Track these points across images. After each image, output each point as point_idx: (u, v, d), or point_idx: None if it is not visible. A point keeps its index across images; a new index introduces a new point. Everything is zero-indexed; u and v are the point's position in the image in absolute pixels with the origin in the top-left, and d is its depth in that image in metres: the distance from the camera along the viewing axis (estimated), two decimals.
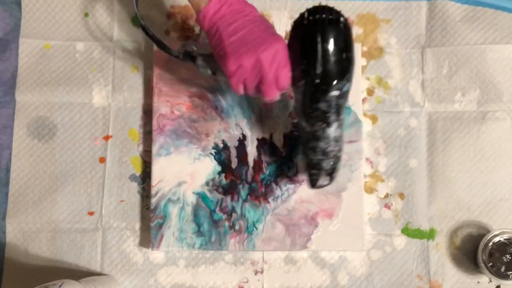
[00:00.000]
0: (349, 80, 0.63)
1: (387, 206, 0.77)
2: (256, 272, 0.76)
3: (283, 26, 0.81)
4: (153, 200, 0.75)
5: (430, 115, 0.79)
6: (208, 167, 0.77)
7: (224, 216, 0.75)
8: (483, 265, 0.72)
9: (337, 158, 0.68)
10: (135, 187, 0.78)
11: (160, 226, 0.75)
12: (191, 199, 0.76)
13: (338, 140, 0.67)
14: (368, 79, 0.80)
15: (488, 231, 0.74)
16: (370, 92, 0.79)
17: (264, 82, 0.63)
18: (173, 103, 0.78)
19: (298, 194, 0.76)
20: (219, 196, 0.76)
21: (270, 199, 0.76)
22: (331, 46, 0.61)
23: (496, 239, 0.72)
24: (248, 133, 0.77)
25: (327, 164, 0.68)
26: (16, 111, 0.79)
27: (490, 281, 0.76)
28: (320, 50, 0.61)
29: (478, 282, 0.76)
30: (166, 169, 0.76)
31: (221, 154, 0.77)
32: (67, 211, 0.77)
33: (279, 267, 0.76)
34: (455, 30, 0.79)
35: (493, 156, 0.77)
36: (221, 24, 0.62)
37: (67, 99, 0.80)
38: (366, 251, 0.76)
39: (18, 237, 0.77)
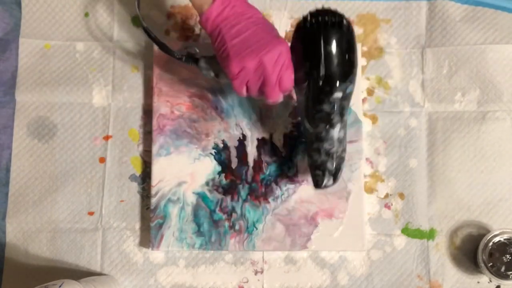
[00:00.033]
0: (352, 81, 0.64)
1: (387, 206, 0.77)
2: (256, 272, 0.76)
3: (283, 26, 0.81)
4: (153, 200, 0.75)
5: (430, 115, 0.79)
6: (208, 167, 0.77)
7: (224, 216, 0.75)
8: (483, 265, 0.72)
9: (341, 159, 0.69)
10: (135, 187, 0.78)
11: (160, 226, 0.75)
12: (191, 199, 0.76)
13: (341, 141, 0.68)
14: (368, 79, 0.80)
15: (488, 231, 0.74)
16: (370, 92, 0.79)
17: (267, 84, 0.63)
18: (173, 103, 0.78)
19: (298, 194, 0.76)
20: (219, 196, 0.76)
21: (270, 199, 0.76)
22: (334, 48, 0.61)
23: (496, 239, 0.72)
24: (248, 133, 0.77)
25: (331, 165, 0.68)
26: (16, 111, 0.79)
27: (490, 281, 0.76)
28: (323, 52, 0.61)
29: (478, 282, 0.76)
30: (166, 169, 0.76)
31: (221, 154, 0.77)
32: (67, 211, 0.77)
33: (279, 267, 0.76)
34: (455, 30, 0.79)
35: (493, 156, 0.77)
36: (224, 26, 0.62)
37: (67, 99, 0.80)
38: (366, 251, 0.76)
39: (18, 237, 0.77)
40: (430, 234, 0.77)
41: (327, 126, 0.66)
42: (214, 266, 0.76)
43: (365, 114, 0.79)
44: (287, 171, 0.77)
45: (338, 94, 0.63)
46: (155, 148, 0.76)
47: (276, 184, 0.76)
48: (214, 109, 0.78)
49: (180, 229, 0.75)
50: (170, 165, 0.76)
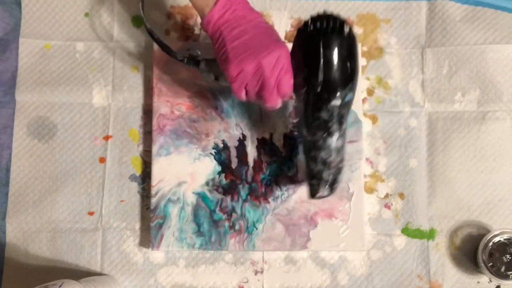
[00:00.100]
0: (352, 90, 0.62)
1: (387, 206, 0.77)
2: (256, 272, 0.76)
3: (283, 26, 0.81)
4: (153, 200, 0.75)
5: (430, 115, 0.79)
6: (208, 167, 0.77)
7: (224, 216, 0.75)
8: (483, 265, 0.72)
9: (338, 170, 0.67)
10: (135, 187, 0.78)
11: (160, 226, 0.75)
12: (191, 199, 0.76)
13: (339, 150, 0.66)
14: (368, 79, 0.80)
15: (488, 231, 0.74)
16: (370, 92, 0.79)
17: (266, 88, 0.62)
18: (173, 103, 0.78)
19: (298, 194, 0.76)
20: (219, 196, 0.76)
21: (270, 199, 0.76)
22: (333, 54, 0.60)
23: (496, 239, 0.72)
24: (248, 133, 0.77)
25: (327, 175, 0.66)
26: (16, 111, 0.79)
27: (490, 281, 0.76)
28: (322, 58, 0.60)
29: (478, 282, 0.76)
30: (166, 169, 0.76)
31: (221, 154, 0.77)
32: (67, 211, 0.77)
33: (279, 267, 0.76)
34: (455, 30, 0.79)
35: (493, 156, 0.77)
36: (225, 29, 0.62)
37: (67, 99, 0.80)
38: (366, 251, 0.76)
39: (18, 237, 0.77)
40: (430, 234, 0.77)
41: (325, 135, 0.64)
42: (214, 266, 0.76)
43: (365, 114, 0.79)
44: (287, 171, 0.77)
45: (336, 102, 0.62)
46: (155, 148, 0.76)
47: (276, 184, 0.76)
48: (214, 109, 0.78)
49: (180, 229, 0.75)
50: (170, 165, 0.76)
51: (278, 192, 0.76)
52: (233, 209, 0.76)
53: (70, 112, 0.79)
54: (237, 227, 0.75)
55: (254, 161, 0.77)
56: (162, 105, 0.77)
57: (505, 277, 0.72)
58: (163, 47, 0.71)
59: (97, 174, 0.78)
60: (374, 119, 0.79)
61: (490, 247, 0.72)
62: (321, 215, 0.75)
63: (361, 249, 0.75)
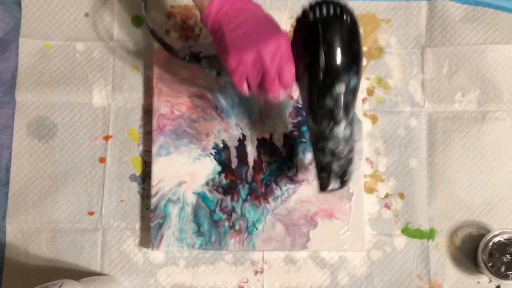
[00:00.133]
0: (356, 74, 0.60)
1: (387, 206, 0.77)
2: (256, 272, 0.76)
3: (283, 26, 0.81)
4: (153, 200, 0.75)
5: (430, 115, 0.79)
6: (208, 167, 0.77)
7: (224, 216, 0.75)
8: (483, 265, 0.72)
9: (348, 160, 0.65)
10: (135, 187, 0.78)
11: (160, 226, 0.75)
12: (191, 199, 0.76)
13: (348, 140, 0.64)
14: (368, 79, 0.80)
15: (488, 231, 0.74)
16: (370, 92, 0.79)
17: (267, 78, 0.61)
18: (173, 103, 0.78)
19: (298, 194, 0.76)
20: (219, 196, 0.76)
21: (270, 199, 0.76)
22: (334, 38, 0.58)
23: (496, 239, 0.72)
24: (248, 133, 0.77)
25: (337, 167, 0.65)
26: (16, 111, 0.79)
27: (490, 281, 0.76)
28: (322, 43, 0.58)
29: (478, 282, 0.76)
30: (166, 169, 0.76)
31: (221, 154, 0.77)
32: (67, 211, 0.77)
33: (279, 267, 0.76)
34: (455, 30, 0.79)
35: (493, 156, 0.77)
36: (224, 21, 0.61)
37: (67, 99, 0.80)
38: (366, 251, 0.76)
39: (18, 237, 0.77)
40: (430, 234, 0.77)
41: (331, 124, 0.62)
42: (214, 266, 0.76)
43: (365, 114, 0.79)
44: (287, 171, 0.76)
45: (340, 88, 0.60)
46: (155, 148, 0.76)
47: (276, 184, 0.76)
48: (214, 109, 0.78)
49: (180, 229, 0.75)
50: (170, 165, 0.76)
51: (278, 192, 0.76)
52: (233, 209, 0.76)
53: (70, 112, 0.79)
54: (237, 227, 0.75)
55: (254, 161, 0.77)
56: (162, 105, 0.77)
57: (505, 277, 0.72)
58: (165, 46, 0.71)
59: (97, 174, 0.78)
60: (374, 119, 0.79)
61: (490, 247, 0.72)
62: (321, 215, 0.75)
63: (361, 249, 0.75)
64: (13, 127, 0.79)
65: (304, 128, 0.77)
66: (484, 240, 0.72)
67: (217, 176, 0.76)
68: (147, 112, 0.79)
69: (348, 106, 0.62)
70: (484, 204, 0.77)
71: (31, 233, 0.77)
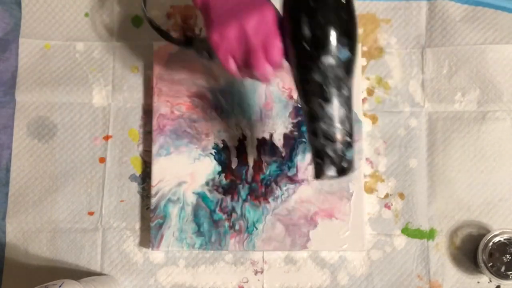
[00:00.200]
0: (347, 46, 0.56)
1: (387, 206, 0.77)
2: (256, 272, 0.76)
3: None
4: (153, 200, 0.75)
5: (430, 115, 0.79)
6: (208, 167, 0.77)
7: (224, 216, 0.75)
8: (483, 265, 0.72)
9: (345, 144, 0.58)
10: (135, 187, 0.78)
11: (160, 226, 0.75)
12: (191, 199, 0.76)
13: (343, 121, 0.58)
14: (368, 79, 0.80)
15: (488, 231, 0.74)
16: (370, 92, 0.79)
17: (252, 54, 0.57)
18: (173, 103, 0.78)
19: (298, 194, 0.76)
20: (219, 196, 0.76)
21: (270, 199, 0.76)
22: (319, 6, 0.54)
23: (496, 239, 0.72)
24: (248, 133, 0.77)
25: (331, 151, 0.58)
26: (16, 111, 0.79)
27: (490, 281, 0.76)
28: (307, 11, 0.54)
29: (478, 282, 0.76)
30: (166, 169, 0.76)
31: (221, 154, 0.77)
32: (67, 211, 0.77)
33: (279, 267, 0.76)
34: (455, 30, 0.79)
35: (493, 156, 0.77)
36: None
37: (67, 99, 0.80)
38: (366, 251, 0.76)
39: (18, 237, 0.77)
40: (430, 234, 0.76)
41: (321, 101, 0.56)
42: (214, 266, 0.76)
43: (365, 114, 0.79)
44: (287, 171, 0.76)
45: (328, 60, 0.55)
46: (155, 148, 0.76)
47: (276, 184, 0.76)
48: (214, 109, 0.78)
49: (180, 229, 0.75)
50: (170, 165, 0.76)
51: (278, 192, 0.76)
52: (233, 209, 0.76)
53: (70, 112, 0.79)
54: (237, 227, 0.75)
55: (254, 161, 0.77)
56: (162, 105, 0.77)
57: (505, 277, 0.72)
58: (162, 33, 0.70)
59: (97, 174, 0.78)
60: (374, 119, 0.79)
61: (490, 247, 0.72)
62: (321, 215, 0.75)
63: (361, 249, 0.75)
64: (13, 127, 0.79)
65: (304, 128, 0.77)
66: (484, 240, 0.72)
67: (217, 176, 0.76)
68: (147, 112, 0.79)
69: (340, 82, 0.57)
70: (484, 204, 0.77)
71: (31, 233, 0.77)
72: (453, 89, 0.79)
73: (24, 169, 0.78)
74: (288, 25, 0.57)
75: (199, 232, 0.75)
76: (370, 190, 0.78)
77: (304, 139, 0.77)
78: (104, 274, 0.76)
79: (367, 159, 0.78)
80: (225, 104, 0.78)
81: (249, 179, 0.76)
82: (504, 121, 0.78)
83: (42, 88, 0.79)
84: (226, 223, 0.75)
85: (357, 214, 0.75)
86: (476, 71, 0.79)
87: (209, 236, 0.75)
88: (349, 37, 0.56)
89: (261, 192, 0.76)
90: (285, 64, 0.60)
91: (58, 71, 0.80)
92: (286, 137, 0.77)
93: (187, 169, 0.76)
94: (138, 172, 0.78)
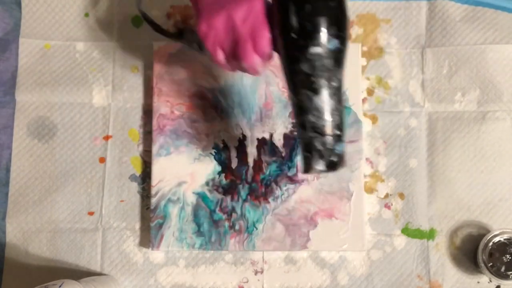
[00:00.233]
0: (336, 36, 0.54)
1: (387, 206, 0.77)
2: (256, 272, 0.76)
3: None
4: (153, 200, 0.75)
5: (430, 115, 0.79)
6: (208, 167, 0.77)
7: (224, 216, 0.75)
8: (483, 265, 0.72)
9: (335, 137, 0.56)
10: (135, 187, 0.78)
11: (160, 226, 0.75)
12: (191, 199, 0.76)
13: (332, 113, 0.56)
14: (368, 79, 0.80)
15: (488, 231, 0.74)
16: (370, 92, 0.79)
17: (240, 44, 0.57)
18: (173, 103, 0.78)
19: (298, 194, 0.76)
20: (219, 196, 0.76)
21: (270, 199, 0.76)
22: None
23: (496, 239, 0.72)
24: (248, 133, 0.77)
25: (320, 144, 0.56)
26: (16, 111, 0.79)
27: (490, 281, 0.76)
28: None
29: (478, 282, 0.76)
30: (166, 169, 0.76)
31: (221, 154, 0.77)
32: (67, 211, 0.77)
33: (279, 267, 0.76)
34: (455, 30, 0.79)
35: (493, 156, 0.77)
36: None
37: (67, 99, 0.80)
38: (366, 251, 0.76)
39: (18, 237, 0.77)
40: (430, 234, 0.76)
41: (309, 92, 0.55)
42: (214, 266, 0.76)
43: (365, 114, 0.79)
44: (287, 171, 0.76)
45: (316, 49, 0.54)
46: (155, 148, 0.76)
47: (276, 184, 0.76)
48: (214, 109, 0.78)
49: (180, 229, 0.75)
50: (170, 165, 0.76)
51: (278, 192, 0.76)
52: (233, 209, 0.76)
53: (70, 112, 0.79)
54: (237, 227, 0.75)
55: (254, 161, 0.77)
56: (162, 105, 0.77)
57: (505, 277, 0.72)
58: (154, 25, 0.70)
59: (97, 174, 0.78)
60: (374, 119, 0.79)
61: (490, 247, 0.72)
62: (321, 215, 0.75)
63: (361, 249, 0.75)
64: (13, 127, 0.79)
65: None
66: (484, 240, 0.72)
67: (217, 176, 0.76)
68: (147, 112, 0.79)
69: (330, 74, 0.55)
70: (484, 204, 0.77)
71: (31, 233, 0.77)
72: (453, 89, 0.79)
73: (24, 169, 0.78)
74: (277, 15, 0.55)
75: (199, 232, 0.75)
76: (370, 190, 0.78)
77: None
78: (104, 274, 0.76)
79: (367, 159, 0.78)
80: (225, 104, 0.78)
81: (249, 179, 0.76)
82: (504, 121, 0.78)
83: (42, 88, 0.79)
84: (226, 223, 0.75)
85: (357, 214, 0.75)
86: (476, 71, 0.79)
87: (209, 236, 0.75)
88: (338, 28, 0.54)
89: (261, 192, 0.76)
90: (275, 55, 0.59)
91: (58, 71, 0.80)
92: (286, 137, 0.77)
93: (187, 169, 0.76)
94: (138, 172, 0.78)
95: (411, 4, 0.81)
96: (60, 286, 0.60)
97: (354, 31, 0.80)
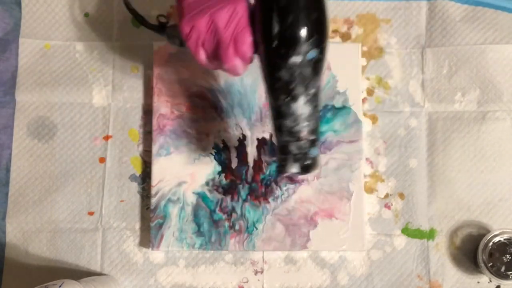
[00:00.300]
0: (316, 46, 0.55)
1: (387, 206, 0.77)
2: (256, 272, 0.76)
3: None
4: (153, 200, 0.75)
5: (430, 115, 0.79)
6: (208, 167, 0.77)
7: (224, 216, 0.75)
8: (483, 265, 0.72)
9: (309, 142, 0.59)
10: (135, 187, 0.78)
11: (160, 226, 0.75)
12: (191, 199, 0.76)
13: (309, 119, 0.58)
14: (368, 79, 0.80)
15: (488, 231, 0.74)
16: (370, 92, 0.79)
17: (221, 47, 0.57)
18: (173, 103, 0.78)
19: (298, 194, 0.76)
20: (219, 196, 0.76)
21: (270, 199, 0.76)
22: (289, 4, 0.54)
23: (496, 239, 0.72)
24: (248, 133, 0.77)
25: (295, 148, 0.58)
26: (16, 111, 0.79)
27: (490, 281, 0.76)
28: (276, 9, 0.54)
29: (478, 282, 0.76)
30: (166, 169, 0.76)
31: (221, 154, 0.77)
32: (67, 211, 0.77)
33: (279, 267, 0.76)
34: (455, 30, 0.79)
35: (493, 156, 0.77)
36: None
37: (67, 99, 0.80)
38: (366, 251, 0.76)
39: (18, 237, 0.77)
40: (430, 234, 0.77)
41: (287, 99, 0.56)
42: (214, 266, 0.76)
43: (365, 114, 0.79)
44: None
45: (296, 59, 0.54)
46: (155, 148, 0.76)
47: (276, 184, 0.76)
48: (214, 109, 0.78)
49: (180, 229, 0.75)
50: (170, 165, 0.76)
51: (278, 192, 0.76)
52: (233, 209, 0.76)
53: (70, 112, 0.79)
54: (237, 227, 0.75)
55: (254, 161, 0.77)
56: (162, 105, 0.77)
57: (505, 277, 0.72)
58: (137, 17, 0.70)
59: (97, 174, 0.78)
60: (374, 119, 0.79)
61: (490, 247, 0.72)
62: (321, 215, 0.75)
63: (361, 249, 0.75)
64: (13, 127, 0.79)
65: None
66: (484, 240, 0.72)
67: (217, 176, 0.76)
68: (147, 112, 0.79)
69: (308, 82, 0.56)
70: (484, 204, 0.77)
71: (31, 233, 0.77)
72: (453, 89, 0.79)
73: (24, 169, 0.78)
74: (259, 22, 0.56)
75: (199, 232, 0.75)
76: (370, 190, 0.78)
77: None
78: (104, 274, 0.76)
79: (367, 159, 0.78)
80: (225, 104, 0.78)
81: (249, 179, 0.76)
82: (504, 121, 0.78)
83: (42, 88, 0.79)
84: (226, 223, 0.75)
85: (357, 214, 0.75)
86: (476, 71, 0.79)
87: (209, 236, 0.75)
88: (319, 38, 0.55)
89: (261, 192, 0.76)
90: (255, 58, 0.59)
91: (58, 71, 0.80)
92: None
93: (187, 169, 0.76)
94: (138, 172, 0.78)
95: (411, 4, 0.81)
96: (60, 286, 0.60)
97: (354, 31, 0.80)
